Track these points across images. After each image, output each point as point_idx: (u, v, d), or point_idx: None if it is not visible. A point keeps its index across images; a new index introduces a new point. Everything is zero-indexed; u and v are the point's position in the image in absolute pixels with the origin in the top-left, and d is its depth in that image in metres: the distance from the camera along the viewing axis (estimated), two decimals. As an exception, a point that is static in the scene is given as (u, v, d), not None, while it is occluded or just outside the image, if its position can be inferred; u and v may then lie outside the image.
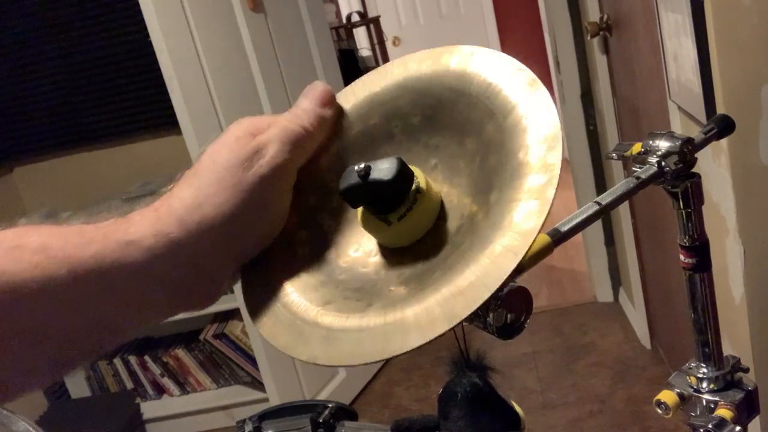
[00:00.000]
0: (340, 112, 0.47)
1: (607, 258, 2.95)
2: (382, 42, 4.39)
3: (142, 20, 2.09)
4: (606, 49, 2.35)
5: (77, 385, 2.92)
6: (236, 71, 2.34)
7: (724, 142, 1.14)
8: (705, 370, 0.62)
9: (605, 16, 2.21)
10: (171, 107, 2.17)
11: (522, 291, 0.42)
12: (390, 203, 0.42)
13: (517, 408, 0.54)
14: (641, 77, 1.92)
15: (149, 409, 2.87)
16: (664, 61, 1.45)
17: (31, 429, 0.49)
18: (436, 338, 0.36)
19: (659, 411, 0.63)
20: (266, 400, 2.53)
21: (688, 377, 0.63)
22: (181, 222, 0.38)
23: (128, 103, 2.79)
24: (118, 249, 0.37)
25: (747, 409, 0.61)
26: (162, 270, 0.38)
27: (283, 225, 0.44)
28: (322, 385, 2.66)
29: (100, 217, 0.40)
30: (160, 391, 2.91)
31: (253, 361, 2.65)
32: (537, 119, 0.40)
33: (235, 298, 2.69)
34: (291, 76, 2.54)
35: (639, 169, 0.56)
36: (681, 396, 0.63)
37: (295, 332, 0.41)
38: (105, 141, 2.88)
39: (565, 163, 4.58)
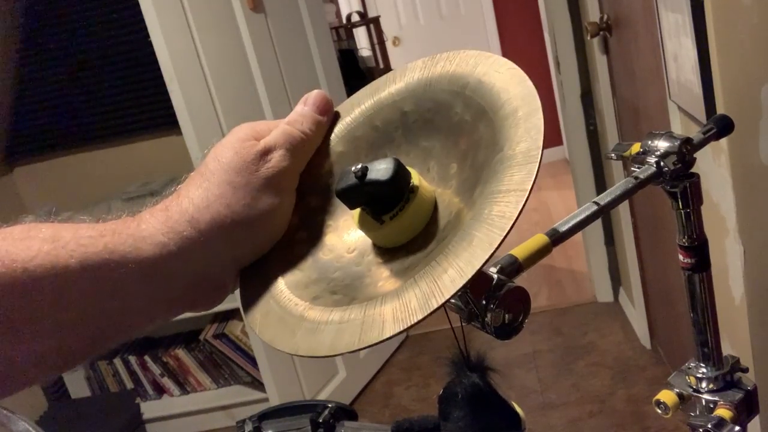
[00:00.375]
0: (335, 118, 0.49)
1: (607, 258, 2.95)
2: (382, 42, 4.39)
3: (142, 20, 2.10)
4: (606, 49, 2.35)
5: (77, 385, 2.92)
6: (236, 71, 2.34)
7: (724, 142, 1.14)
8: (704, 370, 0.62)
9: (605, 16, 2.21)
10: (171, 107, 2.17)
11: (520, 291, 0.43)
12: (387, 204, 0.42)
13: (518, 408, 0.54)
14: (641, 77, 1.92)
15: (149, 409, 2.87)
16: (664, 61, 1.45)
17: (31, 429, 0.49)
18: (411, 326, 0.37)
19: (659, 411, 0.63)
20: (266, 400, 2.54)
21: (687, 377, 0.63)
22: (192, 221, 0.39)
23: (128, 103, 2.79)
24: (130, 243, 0.37)
25: (746, 409, 0.61)
26: (173, 267, 0.38)
27: (285, 228, 0.44)
28: (322, 385, 2.66)
29: (104, 219, 0.40)
30: (160, 391, 2.92)
31: (253, 361, 2.65)
32: (523, 114, 0.41)
33: (235, 299, 2.69)
34: (291, 76, 2.55)
35: (638, 170, 0.56)
36: (680, 396, 0.63)
37: (283, 326, 0.42)
38: (105, 141, 2.89)
39: (565, 162, 4.58)
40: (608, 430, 2.25)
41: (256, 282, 0.46)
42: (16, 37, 2.75)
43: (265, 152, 0.42)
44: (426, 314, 0.37)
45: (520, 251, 0.47)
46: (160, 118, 2.73)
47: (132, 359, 2.87)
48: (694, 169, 0.59)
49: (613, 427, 2.25)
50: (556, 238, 0.48)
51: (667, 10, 1.34)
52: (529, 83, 0.42)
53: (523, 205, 0.37)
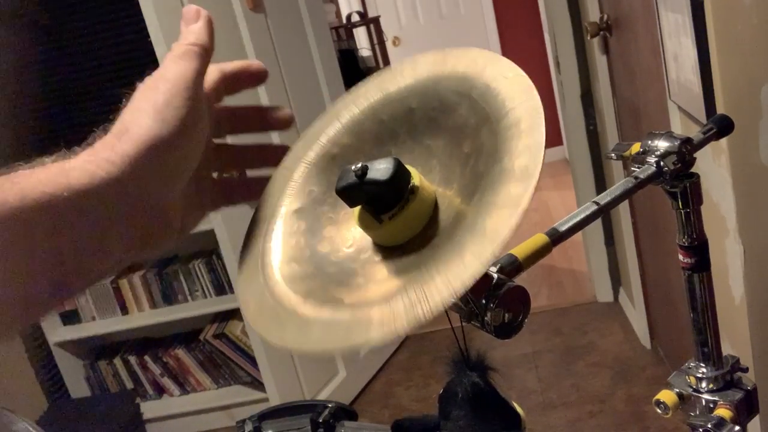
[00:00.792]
0: (209, 20, 0.50)
1: (607, 258, 2.95)
2: (382, 42, 4.39)
3: (142, 20, 2.10)
4: (606, 49, 2.35)
5: (77, 385, 2.92)
6: (236, 71, 2.34)
7: (724, 142, 1.14)
8: (704, 370, 0.62)
9: (605, 16, 2.22)
10: (171, 107, 2.17)
11: (519, 290, 0.43)
12: (387, 203, 0.42)
13: (518, 408, 0.54)
14: (641, 77, 1.92)
15: (149, 409, 2.87)
16: (664, 61, 1.45)
17: (31, 429, 0.49)
18: (396, 336, 0.37)
19: (659, 411, 0.63)
20: (266, 400, 2.54)
21: (687, 377, 0.63)
22: (114, 147, 0.41)
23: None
24: (63, 175, 0.39)
25: (746, 408, 0.61)
26: (106, 195, 0.40)
27: (206, 134, 0.46)
28: (322, 385, 2.66)
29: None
30: (160, 391, 2.92)
31: (253, 361, 2.65)
32: (525, 127, 0.40)
33: (235, 299, 2.69)
34: (291, 76, 2.54)
35: (638, 169, 0.56)
36: (680, 396, 0.63)
37: (275, 318, 0.43)
38: (105, 141, 2.88)
39: (565, 162, 4.58)
40: (608, 430, 2.25)
41: (253, 270, 0.46)
42: (16, 37, 2.75)
43: (162, 75, 0.45)
44: (413, 326, 0.37)
45: (520, 251, 0.47)
46: (160, 118, 2.73)
47: (132, 359, 2.88)
48: (694, 169, 0.59)
49: (613, 427, 2.25)
50: (556, 237, 0.48)
51: (667, 10, 1.34)
52: (535, 93, 0.41)
53: (518, 222, 0.37)
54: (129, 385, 2.90)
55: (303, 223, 0.48)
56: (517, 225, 0.37)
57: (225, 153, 0.53)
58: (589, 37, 2.31)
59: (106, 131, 0.43)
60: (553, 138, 4.94)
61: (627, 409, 2.31)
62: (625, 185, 0.54)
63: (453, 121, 0.45)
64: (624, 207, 2.48)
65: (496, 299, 0.42)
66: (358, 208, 0.45)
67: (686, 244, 0.60)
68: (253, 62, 0.53)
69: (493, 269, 0.45)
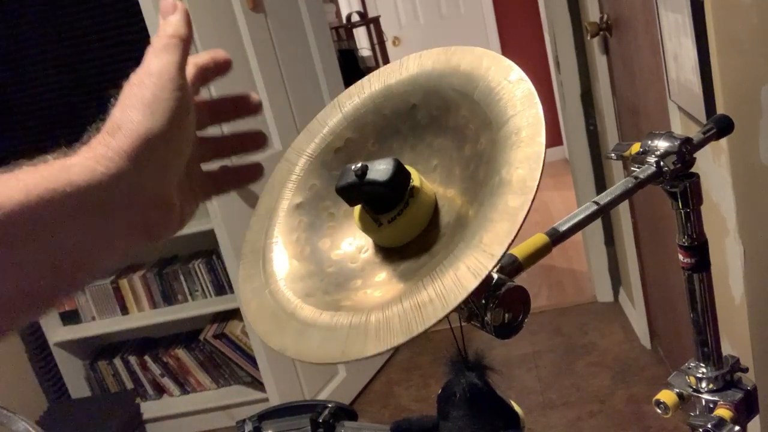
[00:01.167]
0: (185, 11, 0.50)
1: (607, 258, 2.95)
2: (382, 42, 4.39)
3: (142, 20, 2.09)
4: (606, 49, 2.35)
5: (77, 385, 2.92)
6: (236, 71, 2.33)
7: (724, 142, 1.14)
8: (704, 370, 0.62)
9: (605, 16, 2.21)
10: (171, 107, 2.17)
11: (520, 290, 0.43)
12: (386, 204, 0.42)
13: (517, 408, 0.54)
14: (641, 77, 1.92)
15: (149, 409, 2.87)
16: (664, 61, 1.45)
17: (31, 429, 0.49)
18: (392, 348, 0.37)
19: (659, 411, 0.63)
20: (266, 400, 2.53)
21: (687, 377, 0.63)
22: (109, 143, 0.42)
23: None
24: (65, 173, 0.39)
25: (746, 408, 0.61)
26: (107, 188, 0.40)
27: (194, 122, 0.47)
28: (322, 385, 2.66)
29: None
30: (160, 391, 2.92)
31: (253, 361, 2.65)
32: (525, 136, 0.40)
33: (234, 299, 2.69)
34: (291, 76, 2.54)
35: (638, 169, 0.56)
36: (680, 396, 0.63)
37: (275, 321, 0.43)
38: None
39: (565, 162, 4.58)
40: (608, 430, 2.25)
41: (255, 267, 0.46)
42: (15, 38, 2.75)
43: (146, 68, 0.46)
44: (407, 339, 0.37)
45: (520, 251, 0.47)
46: (160, 118, 2.73)
47: (132, 359, 2.88)
48: (694, 169, 0.59)
49: (613, 427, 2.25)
50: (556, 237, 0.48)
51: (667, 10, 1.34)
52: (537, 101, 0.41)
53: (515, 236, 0.37)
54: (129, 385, 2.90)
55: (304, 219, 0.48)
56: (513, 240, 0.37)
57: (209, 144, 0.54)
58: (589, 37, 2.31)
59: (98, 130, 0.44)
60: (553, 138, 4.94)
61: (627, 409, 2.31)
62: (625, 185, 0.54)
63: (455, 121, 0.45)
64: (624, 207, 2.48)
65: (496, 299, 0.42)
66: (358, 209, 0.45)
67: (686, 244, 0.60)
68: (218, 52, 0.53)
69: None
